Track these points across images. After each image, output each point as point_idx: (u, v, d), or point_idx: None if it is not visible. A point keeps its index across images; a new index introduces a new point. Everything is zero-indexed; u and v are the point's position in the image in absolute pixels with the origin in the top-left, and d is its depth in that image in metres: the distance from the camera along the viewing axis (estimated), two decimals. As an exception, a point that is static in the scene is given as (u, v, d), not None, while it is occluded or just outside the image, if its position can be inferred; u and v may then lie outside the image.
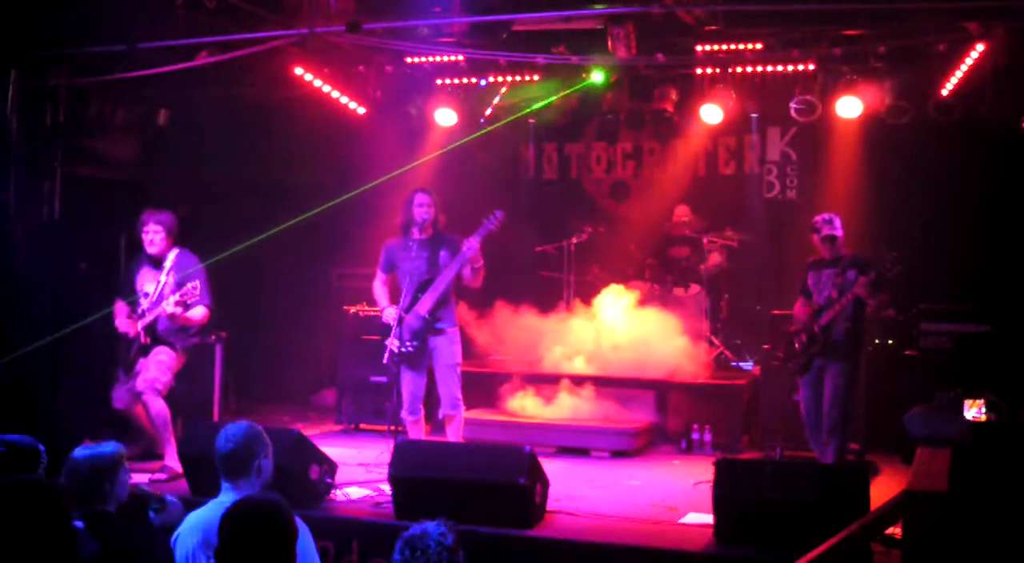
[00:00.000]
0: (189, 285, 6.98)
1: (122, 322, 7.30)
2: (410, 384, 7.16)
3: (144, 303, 7.25)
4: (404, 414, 7.18)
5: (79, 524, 4.04)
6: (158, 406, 7.15)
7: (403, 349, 7.02)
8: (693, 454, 8.50)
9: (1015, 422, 6.31)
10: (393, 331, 6.99)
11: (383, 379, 8.97)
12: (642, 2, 7.89)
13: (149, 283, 7.29)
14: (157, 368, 7.17)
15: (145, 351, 7.21)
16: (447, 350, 7.13)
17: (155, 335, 7.20)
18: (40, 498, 2.97)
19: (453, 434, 7.17)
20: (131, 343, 7.25)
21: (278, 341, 10.60)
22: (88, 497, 4.16)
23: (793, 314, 7.61)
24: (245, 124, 9.80)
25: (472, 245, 6.99)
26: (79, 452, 4.27)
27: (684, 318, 9.47)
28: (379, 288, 7.31)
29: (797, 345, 7.28)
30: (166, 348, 7.24)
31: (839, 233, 7.17)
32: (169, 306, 6.94)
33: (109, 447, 4.32)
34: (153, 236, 7.25)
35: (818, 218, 7.26)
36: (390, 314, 7.08)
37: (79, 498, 4.15)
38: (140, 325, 7.17)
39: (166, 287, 7.16)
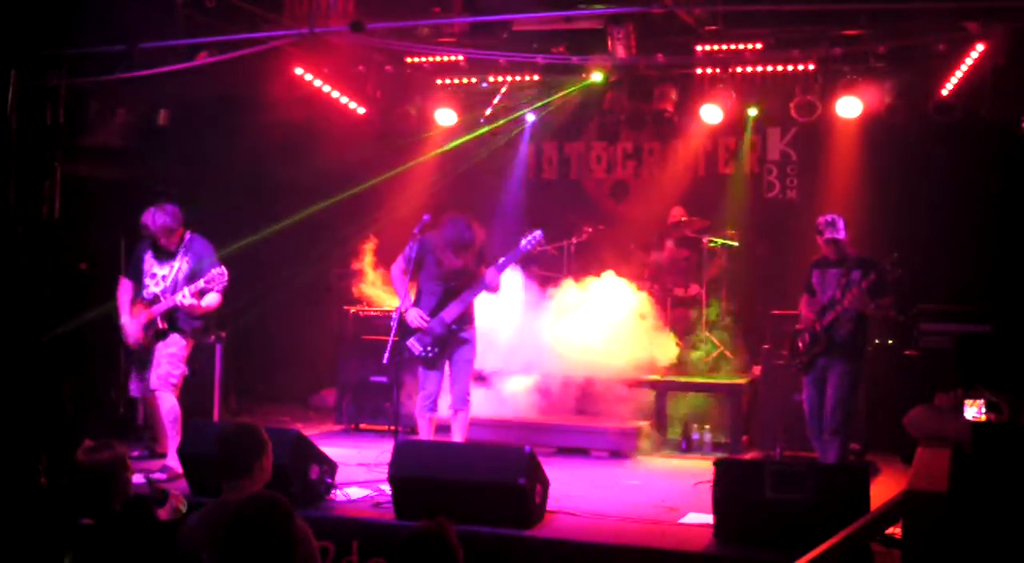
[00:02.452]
0: (215, 271, 7.03)
1: (130, 325, 7.27)
2: (429, 382, 7.16)
3: (152, 285, 7.26)
4: (418, 410, 7.17)
5: (87, 521, 4.07)
6: (170, 403, 7.19)
7: (425, 354, 7.06)
8: (693, 454, 8.51)
9: (1015, 422, 6.31)
10: (412, 334, 7.02)
11: (383, 379, 8.97)
12: (642, 2, 7.90)
13: (161, 267, 7.28)
14: (169, 362, 7.19)
15: (163, 336, 7.21)
16: (465, 347, 7.17)
17: (172, 321, 7.22)
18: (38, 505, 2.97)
19: (459, 430, 7.14)
20: (146, 328, 7.23)
21: (278, 341, 10.60)
22: (94, 498, 4.16)
23: (799, 313, 7.59)
24: (245, 124, 9.80)
25: (493, 278, 7.00)
26: (84, 455, 4.26)
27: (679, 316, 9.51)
28: (401, 277, 7.15)
29: (800, 345, 7.29)
30: (176, 337, 7.25)
31: (841, 235, 7.15)
32: (186, 298, 7.02)
33: (113, 449, 4.33)
34: (167, 239, 7.26)
35: (821, 219, 7.24)
36: (415, 318, 7.03)
37: (86, 499, 4.15)
38: (157, 311, 7.17)
39: (180, 273, 7.19)
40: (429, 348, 7.07)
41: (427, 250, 7.11)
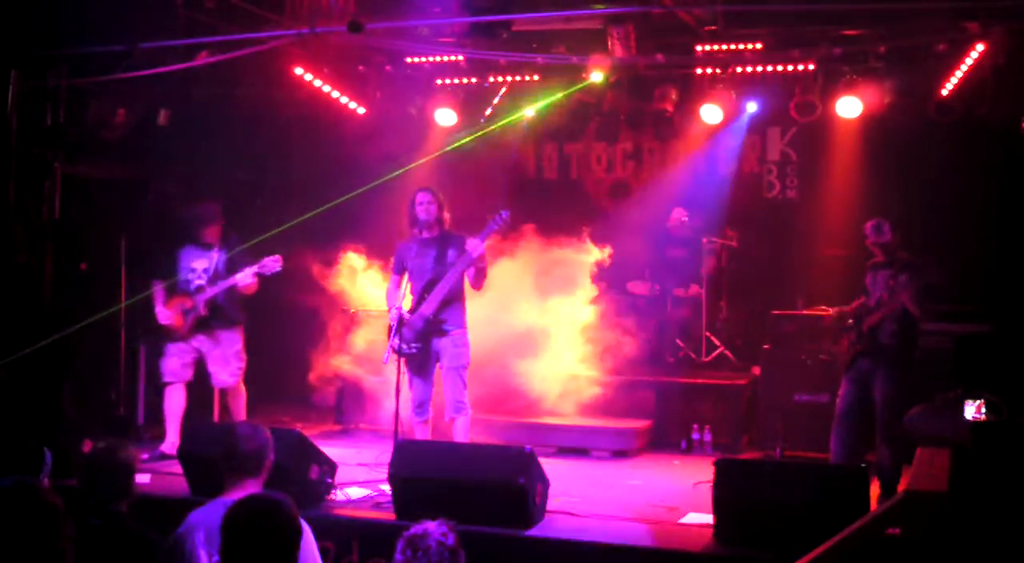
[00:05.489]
0: (270, 258, 7.58)
1: (164, 313, 7.73)
2: (416, 387, 7.08)
3: (195, 278, 7.73)
4: (411, 416, 7.11)
5: (96, 521, 4.06)
6: (242, 392, 7.92)
7: (406, 350, 6.96)
8: (693, 454, 8.50)
9: (1015, 422, 6.31)
10: (396, 332, 6.94)
11: (383, 379, 8.95)
12: (642, 2, 7.90)
13: (199, 261, 7.77)
14: (236, 358, 7.84)
15: (205, 325, 7.70)
16: (452, 352, 7.01)
17: (215, 308, 7.69)
18: (32, 500, 2.96)
19: (459, 437, 7.06)
20: (185, 314, 7.67)
21: (278, 341, 10.59)
22: (106, 496, 4.15)
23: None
24: (245, 124, 9.79)
25: (476, 245, 6.86)
26: (96, 452, 4.25)
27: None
28: (391, 290, 7.21)
29: (847, 342, 7.13)
30: (232, 333, 7.83)
31: (886, 238, 7.01)
32: (246, 277, 7.57)
33: (125, 446, 4.32)
34: (207, 231, 7.82)
35: (868, 224, 7.09)
36: (393, 316, 7.00)
37: (97, 497, 4.14)
38: (201, 299, 7.65)
39: (219, 263, 7.73)
40: (411, 344, 6.97)
41: (403, 253, 7.16)
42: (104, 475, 4.18)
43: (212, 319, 7.72)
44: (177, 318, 7.70)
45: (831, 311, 7.37)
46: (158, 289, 7.77)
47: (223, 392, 8.06)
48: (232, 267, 7.67)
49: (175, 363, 7.79)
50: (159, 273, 7.83)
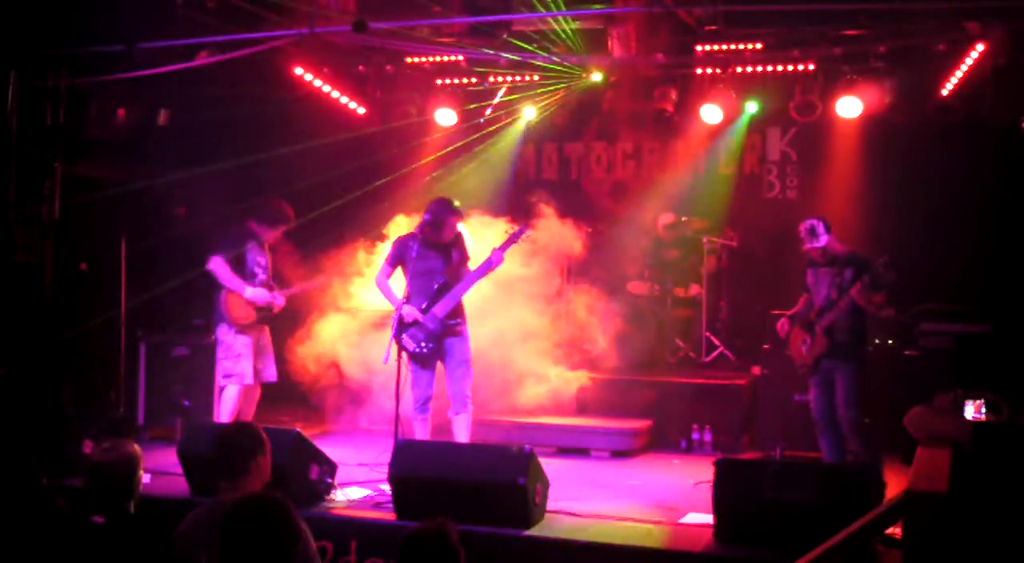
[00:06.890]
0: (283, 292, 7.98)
1: (255, 295, 7.73)
2: (421, 384, 7.12)
3: (260, 273, 7.84)
4: (412, 413, 7.14)
5: (102, 520, 4.07)
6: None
7: (420, 350, 7.00)
8: (693, 454, 8.50)
9: (1015, 422, 6.31)
10: (405, 330, 6.96)
11: (383, 379, 8.95)
12: (642, 2, 7.91)
13: (262, 256, 7.89)
14: (273, 354, 8.09)
15: (267, 321, 7.97)
16: (460, 348, 7.11)
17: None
18: (38, 501, 2.97)
19: (462, 433, 7.11)
20: (261, 309, 7.81)
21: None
22: (114, 496, 4.16)
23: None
24: (245, 124, 9.78)
25: (499, 257, 7.01)
26: (102, 452, 4.25)
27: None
28: (382, 280, 7.24)
29: (804, 348, 7.15)
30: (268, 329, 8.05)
31: (821, 243, 6.98)
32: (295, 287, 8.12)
33: (130, 448, 4.33)
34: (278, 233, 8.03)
35: (801, 228, 7.07)
36: (410, 313, 7.01)
37: (105, 497, 4.14)
38: (287, 293, 7.97)
39: (272, 264, 8.00)
40: (423, 344, 7.02)
41: (405, 249, 7.12)
42: (113, 476, 4.19)
43: (273, 315, 7.95)
44: (255, 307, 7.75)
45: (784, 322, 7.41)
46: (227, 266, 7.64)
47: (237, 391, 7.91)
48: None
49: (250, 364, 7.77)
50: (223, 250, 7.71)
